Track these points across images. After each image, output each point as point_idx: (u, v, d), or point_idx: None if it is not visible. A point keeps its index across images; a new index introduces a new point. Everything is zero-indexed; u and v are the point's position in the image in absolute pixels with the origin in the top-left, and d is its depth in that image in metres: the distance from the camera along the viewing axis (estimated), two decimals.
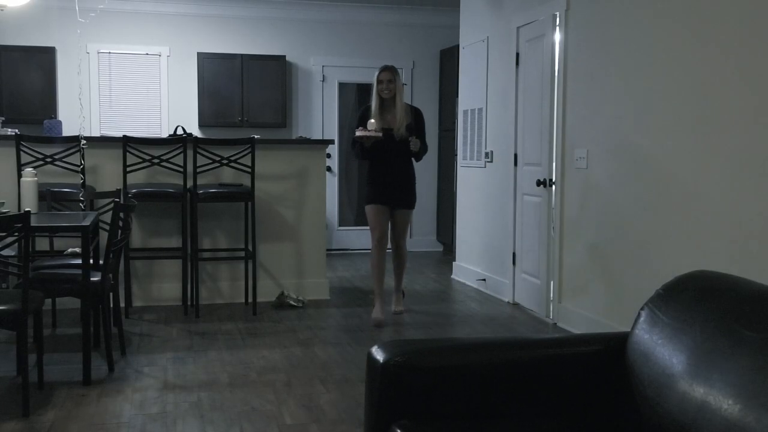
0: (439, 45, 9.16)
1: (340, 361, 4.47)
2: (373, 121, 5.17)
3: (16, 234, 3.39)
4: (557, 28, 5.47)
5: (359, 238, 8.90)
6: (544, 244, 5.65)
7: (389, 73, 5.33)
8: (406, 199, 5.47)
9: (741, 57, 3.71)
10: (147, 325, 5.28)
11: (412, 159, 5.43)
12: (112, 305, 4.52)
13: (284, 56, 8.70)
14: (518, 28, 6.09)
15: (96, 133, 8.00)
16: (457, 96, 7.60)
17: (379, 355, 2.17)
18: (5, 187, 5.30)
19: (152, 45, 8.56)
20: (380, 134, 5.14)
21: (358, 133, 5.17)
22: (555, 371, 2.26)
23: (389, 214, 5.43)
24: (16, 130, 6.15)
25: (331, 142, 6.50)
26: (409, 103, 5.61)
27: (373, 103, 5.33)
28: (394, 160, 5.35)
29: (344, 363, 4.42)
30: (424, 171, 9.25)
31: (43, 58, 8.09)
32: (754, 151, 3.62)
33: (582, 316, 5.10)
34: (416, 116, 5.42)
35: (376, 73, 5.34)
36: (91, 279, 3.99)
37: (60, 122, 7.28)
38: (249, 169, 5.56)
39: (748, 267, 3.47)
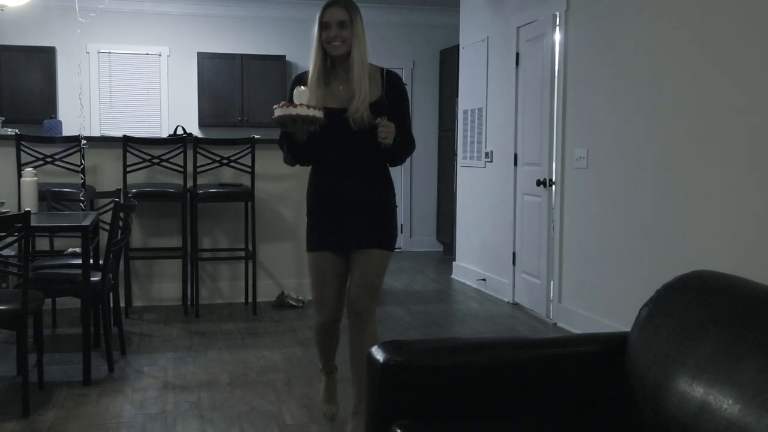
0: (439, 45, 9.16)
1: (340, 361, 4.46)
2: (303, 89, 2.89)
3: (16, 234, 3.39)
4: (557, 28, 5.47)
5: None
6: (544, 244, 5.65)
7: (340, 9, 3.02)
8: (375, 232, 3.06)
9: (741, 56, 3.71)
10: (147, 325, 5.28)
11: (384, 161, 3.10)
12: (112, 305, 4.52)
13: (284, 56, 8.69)
14: (518, 28, 6.09)
15: (96, 133, 8.01)
16: (457, 96, 7.60)
17: (379, 355, 2.17)
18: (5, 187, 5.30)
19: (152, 45, 8.56)
20: (319, 114, 2.87)
21: (277, 113, 2.87)
22: (555, 371, 2.26)
23: (346, 264, 3.10)
24: (16, 130, 6.16)
25: None
26: (380, 66, 3.13)
27: (312, 64, 3.02)
28: (351, 163, 3.03)
29: (344, 363, 4.41)
30: (424, 171, 9.28)
31: (43, 58, 8.10)
32: (755, 150, 3.62)
33: (582, 316, 5.10)
34: (391, 86, 3.06)
35: (319, 13, 3.03)
36: (91, 279, 3.99)
37: (60, 122, 7.28)
38: (249, 169, 5.56)
39: (748, 267, 3.47)
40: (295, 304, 5.90)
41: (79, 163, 5.33)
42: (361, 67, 2.98)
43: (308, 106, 2.84)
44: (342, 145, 3.02)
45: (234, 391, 3.87)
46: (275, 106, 2.88)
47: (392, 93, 3.05)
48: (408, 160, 9.48)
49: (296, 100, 2.86)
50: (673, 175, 4.20)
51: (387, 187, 3.13)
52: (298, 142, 2.98)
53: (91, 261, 4.07)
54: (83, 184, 5.31)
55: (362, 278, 3.06)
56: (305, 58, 9.35)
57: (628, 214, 4.61)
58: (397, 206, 3.20)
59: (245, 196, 5.64)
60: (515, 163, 6.14)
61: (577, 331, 5.01)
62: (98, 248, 4.53)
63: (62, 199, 5.06)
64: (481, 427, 2.12)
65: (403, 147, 3.05)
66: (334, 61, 3.02)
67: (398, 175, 9.23)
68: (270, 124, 9.37)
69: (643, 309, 2.20)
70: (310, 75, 3.03)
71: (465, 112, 7.27)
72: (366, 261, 3.06)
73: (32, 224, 3.68)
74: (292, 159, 3.13)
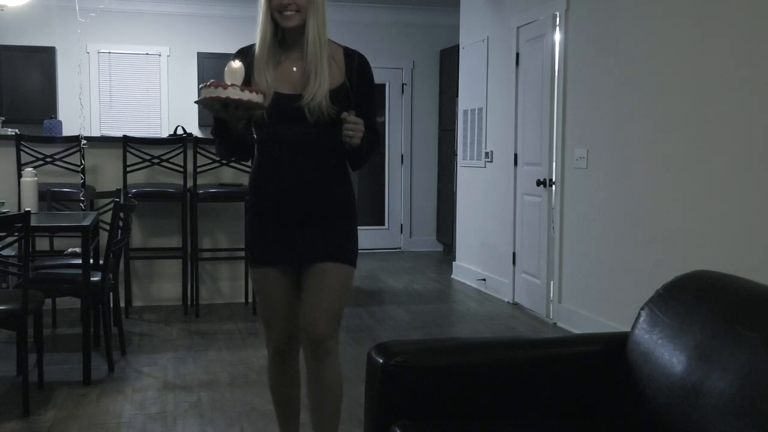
0: (439, 45, 9.16)
1: (340, 360, 4.47)
2: (237, 65, 2.28)
3: (16, 234, 3.39)
4: (557, 28, 5.47)
5: (361, 237, 8.90)
6: (544, 244, 5.65)
7: None
8: (332, 242, 2.50)
9: (741, 56, 3.71)
10: (147, 325, 5.28)
11: (345, 162, 2.52)
12: (112, 305, 4.52)
13: None
14: (518, 28, 6.09)
15: (96, 133, 8.01)
16: (457, 96, 7.60)
17: (379, 355, 2.17)
18: (5, 187, 5.30)
19: (152, 45, 8.56)
20: (257, 98, 2.26)
21: (203, 94, 2.27)
22: (555, 371, 2.26)
23: (297, 282, 2.54)
24: (16, 130, 6.16)
25: None
26: (341, 44, 2.53)
27: (258, 38, 2.43)
28: (304, 163, 2.46)
29: (344, 363, 4.38)
30: (424, 171, 9.28)
31: (43, 58, 8.10)
32: (755, 150, 3.62)
33: (582, 316, 5.10)
34: (357, 70, 2.48)
35: None
36: (91, 279, 3.99)
37: (60, 122, 7.28)
38: (249, 169, 5.55)
39: (748, 267, 3.47)
40: None
41: (79, 163, 5.34)
42: (319, 44, 2.38)
43: (243, 88, 2.23)
44: (294, 140, 2.43)
45: (234, 391, 3.87)
46: (201, 86, 2.27)
47: (358, 78, 2.47)
48: (408, 160, 9.43)
49: (228, 79, 2.24)
50: (673, 174, 4.20)
51: (346, 193, 2.54)
52: (232, 133, 2.41)
53: (91, 261, 4.07)
54: (83, 184, 5.31)
55: (318, 299, 2.46)
56: None
57: (628, 214, 4.61)
58: (357, 216, 2.62)
59: (245, 196, 5.63)
60: (515, 163, 6.14)
61: (577, 331, 5.01)
62: (98, 248, 4.53)
63: (62, 199, 5.06)
64: (481, 427, 2.12)
65: (371, 146, 2.49)
66: (287, 35, 2.43)
67: (398, 174, 9.24)
68: None
69: (643, 309, 2.20)
70: (256, 51, 2.42)
71: (465, 112, 7.27)
72: (322, 277, 2.46)
73: (32, 224, 3.68)
74: (224, 151, 2.60)
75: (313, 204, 2.48)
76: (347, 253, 2.53)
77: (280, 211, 2.48)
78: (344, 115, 2.37)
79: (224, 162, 5.48)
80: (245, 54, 2.44)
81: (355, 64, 2.47)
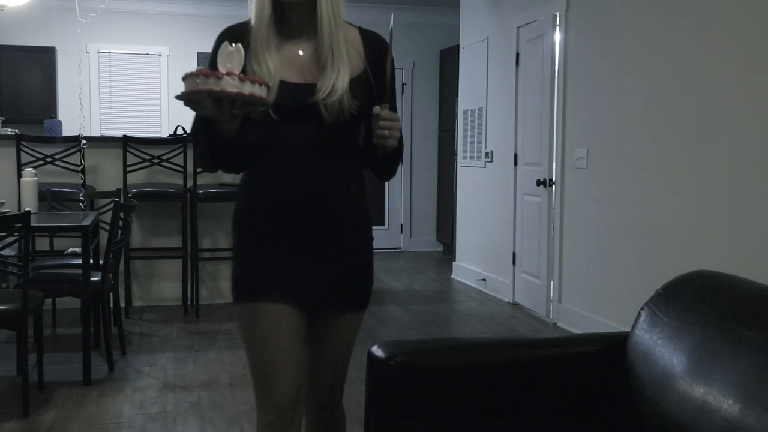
0: (439, 45, 9.16)
1: None
2: (235, 47, 1.71)
3: (16, 234, 3.39)
4: (557, 28, 5.48)
5: None
6: (544, 244, 5.65)
7: None
8: (355, 286, 1.98)
9: (741, 56, 3.71)
10: (147, 325, 5.28)
11: (362, 171, 2.01)
12: (112, 305, 4.52)
13: None
14: (518, 28, 6.10)
15: (96, 133, 8.01)
16: (457, 96, 7.60)
17: (379, 355, 2.16)
18: (5, 187, 5.30)
19: (152, 45, 8.57)
20: (260, 92, 1.67)
21: (187, 86, 1.65)
22: (555, 371, 2.26)
23: (306, 324, 1.95)
24: (16, 130, 6.16)
25: None
26: (354, 24, 1.98)
27: (255, 13, 1.86)
28: (319, 174, 1.87)
29: None
30: (424, 171, 9.27)
31: (43, 58, 8.11)
32: (755, 150, 3.62)
33: (582, 316, 5.10)
34: (379, 54, 1.93)
35: None
36: (91, 279, 3.99)
37: (60, 122, 7.29)
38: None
39: (748, 267, 3.47)
40: None
41: (79, 163, 5.34)
42: (334, 22, 1.84)
43: (243, 78, 1.65)
44: (302, 143, 1.86)
45: (234, 391, 3.87)
46: (184, 76, 1.67)
47: (383, 67, 1.90)
48: (408, 160, 9.46)
49: (222, 66, 1.69)
50: (674, 174, 4.20)
51: (367, 211, 1.99)
52: (223, 136, 1.79)
53: (91, 261, 4.07)
54: (83, 184, 5.32)
55: (337, 360, 2.03)
56: None
57: (628, 214, 4.61)
58: (372, 237, 2.03)
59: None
60: (515, 163, 6.14)
61: (577, 331, 5.01)
62: (98, 248, 4.53)
63: (62, 199, 5.07)
64: (481, 427, 2.12)
65: (401, 150, 1.99)
66: (289, 12, 1.88)
67: (398, 174, 9.20)
68: None
69: (643, 309, 2.20)
70: (253, 27, 1.85)
71: (465, 112, 7.27)
72: (343, 333, 2.01)
73: (32, 224, 3.68)
74: (211, 160, 1.89)
75: (329, 227, 1.89)
76: (367, 296, 2.02)
77: (284, 237, 1.87)
78: (377, 109, 1.83)
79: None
80: (234, 33, 1.85)
81: (378, 48, 1.94)
